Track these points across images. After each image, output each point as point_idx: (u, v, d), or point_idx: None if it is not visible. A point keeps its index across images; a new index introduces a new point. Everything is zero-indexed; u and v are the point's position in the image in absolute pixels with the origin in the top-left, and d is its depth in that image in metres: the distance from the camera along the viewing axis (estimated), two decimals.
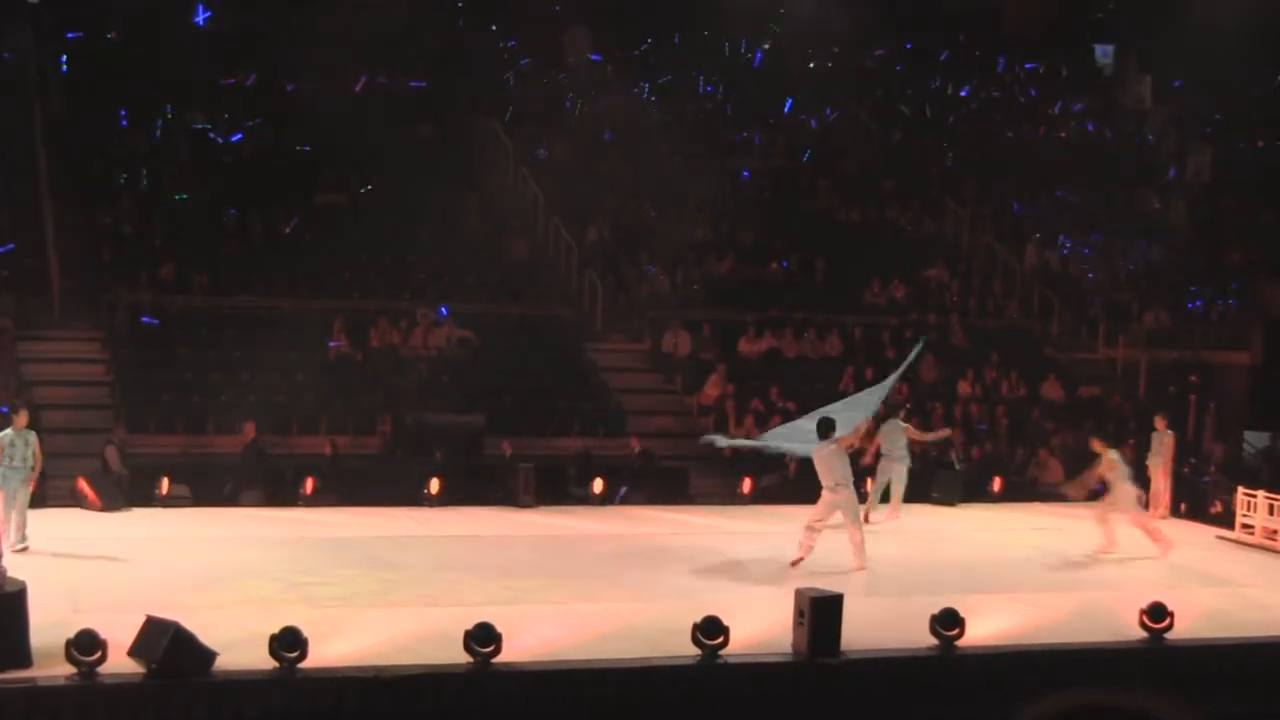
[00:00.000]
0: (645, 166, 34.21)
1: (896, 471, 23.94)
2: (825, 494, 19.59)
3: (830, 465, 19.50)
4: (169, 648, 13.41)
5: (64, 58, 33.22)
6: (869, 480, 23.93)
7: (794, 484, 26.10)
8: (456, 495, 23.76)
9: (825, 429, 19.62)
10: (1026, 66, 41.67)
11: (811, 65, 39.11)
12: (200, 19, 35.11)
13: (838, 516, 19.70)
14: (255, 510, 22.74)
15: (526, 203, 32.94)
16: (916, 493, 25.08)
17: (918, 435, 24.68)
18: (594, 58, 37.64)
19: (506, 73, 36.73)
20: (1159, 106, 41.03)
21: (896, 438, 23.95)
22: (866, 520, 22.11)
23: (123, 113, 32.22)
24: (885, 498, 24.07)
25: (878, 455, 24.13)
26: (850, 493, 19.68)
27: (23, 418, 19.04)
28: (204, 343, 26.94)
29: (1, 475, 18.78)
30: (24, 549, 18.45)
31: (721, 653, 14.76)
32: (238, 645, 14.03)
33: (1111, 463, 21.45)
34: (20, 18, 33.61)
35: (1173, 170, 38.45)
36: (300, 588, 17.47)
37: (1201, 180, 38.19)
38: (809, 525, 19.59)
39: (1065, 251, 34.98)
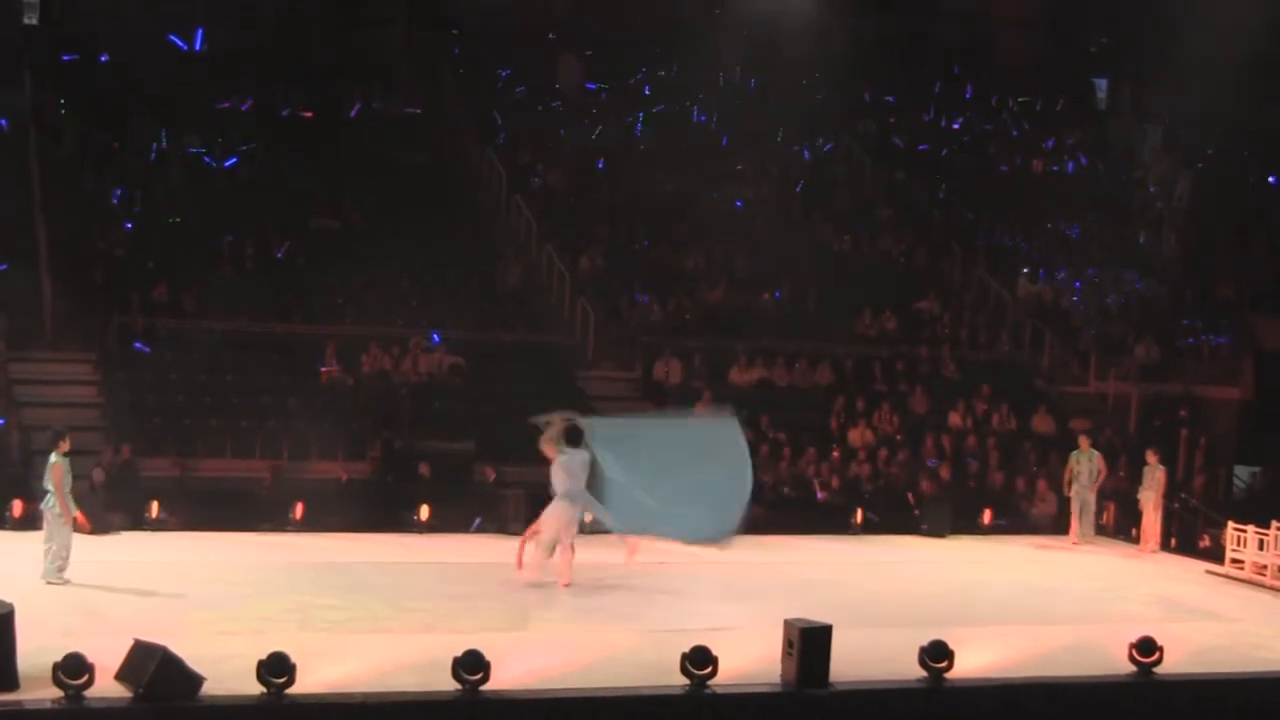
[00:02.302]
0: (639, 195, 34.31)
1: (1084, 497, 25.62)
2: (557, 503, 19.54)
3: (570, 474, 19.50)
4: (156, 672, 13.37)
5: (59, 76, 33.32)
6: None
7: (785, 512, 26.17)
8: (446, 521, 23.76)
9: (575, 438, 19.56)
10: (1019, 100, 41.77)
11: (804, 96, 39.22)
12: (197, 45, 35.16)
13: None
14: (248, 535, 22.67)
15: (519, 230, 32.99)
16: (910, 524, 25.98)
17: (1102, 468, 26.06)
18: (589, 86, 37.75)
19: (501, 100, 36.78)
20: (1155, 135, 41.08)
21: (1085, 466, 25.66)
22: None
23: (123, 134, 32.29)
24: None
25: (1070, 483, 25.85)
26: (576, 508, 19.60)
27: (67, 443, 18.87)
28: (196, 366, 26.91)
29: (70, 502, 18.52)
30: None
31: (710, 683, 14.73)
32: (225, 670, 13.99)
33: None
34: (15, 42, 33.73)
35: (1159, 204, 38.52)
36: (288, 613, 17.44)
37: (1184, 205, 38.25)
38: (565, 545, 19.60)
39: (1057, 282, 35.00)
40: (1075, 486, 25.67)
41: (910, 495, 26.87)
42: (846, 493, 26.74)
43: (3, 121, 30.73)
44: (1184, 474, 29.18)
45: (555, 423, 20.10)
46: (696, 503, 19.58)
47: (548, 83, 37.62)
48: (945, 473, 27.66)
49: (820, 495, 26.61)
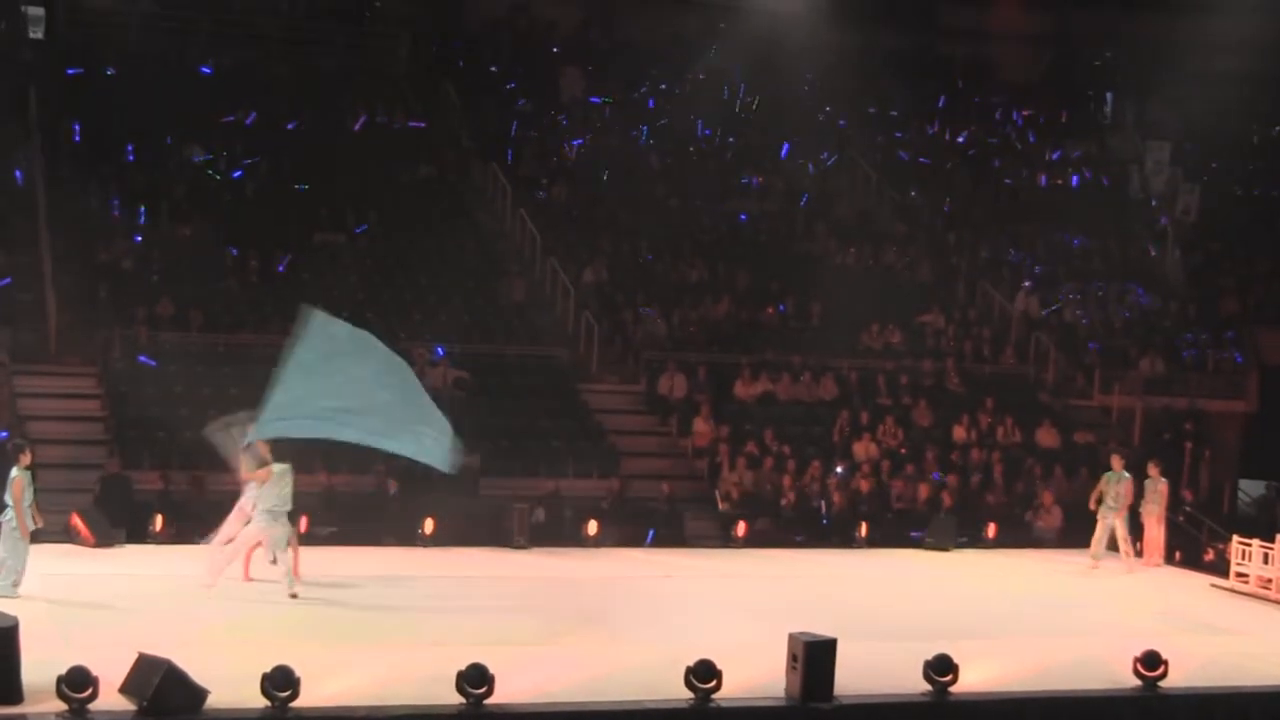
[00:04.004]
0: (643, 209, 34.33)
1: (1109, 520, 24.64)
2: (262, 517, 19.04)
3: (273, 488, 19.11)
4: (160, 685, 13.37)
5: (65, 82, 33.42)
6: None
7: (789, 527, 26.17)
8: (450, 535, 23.73)
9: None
10: (1024, 113, 41.77)
11: (809, 110, 39.24)
12: (206, 69, 35.25)
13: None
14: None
15: (523, 243, 33.01)
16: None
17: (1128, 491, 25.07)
18: (593, 100, 37.77)
19: (505, 114, 36.81)
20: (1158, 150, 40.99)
21: (1112, 488, 24.68)
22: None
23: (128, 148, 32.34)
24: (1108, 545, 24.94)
25: (1099, 502, 24.89)
26: (285, 523, 19.24)
27: (29, 456, 18.85)
28: (200, 380, 26.90)
29: (28, 516, 18.45)
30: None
31: (714, 697, 14.72)
32: (230, 683, 13.98)
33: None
34: (19, 47, 33.85)
35: (1164, 218, 38.47)
36: (292, 626, 17.44)
37: (1189, 219, 38.18)
38: (225, 543, 19.20)
39: (1061, 298, 34.96)
40: (1101, 508, 24.83)
41: (821, 505, 26.74)
42: (748, 504, 26.51)
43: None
44: (1189, 487, 29.16)
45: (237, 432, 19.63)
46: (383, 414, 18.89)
47: (552, 96, 37.65)
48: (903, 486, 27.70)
49: (721, 505, 26.44)
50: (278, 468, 19.28)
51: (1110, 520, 24.63)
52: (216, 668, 14.40)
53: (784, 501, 26.70)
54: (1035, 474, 28.61)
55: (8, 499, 18.37)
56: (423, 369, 27.90)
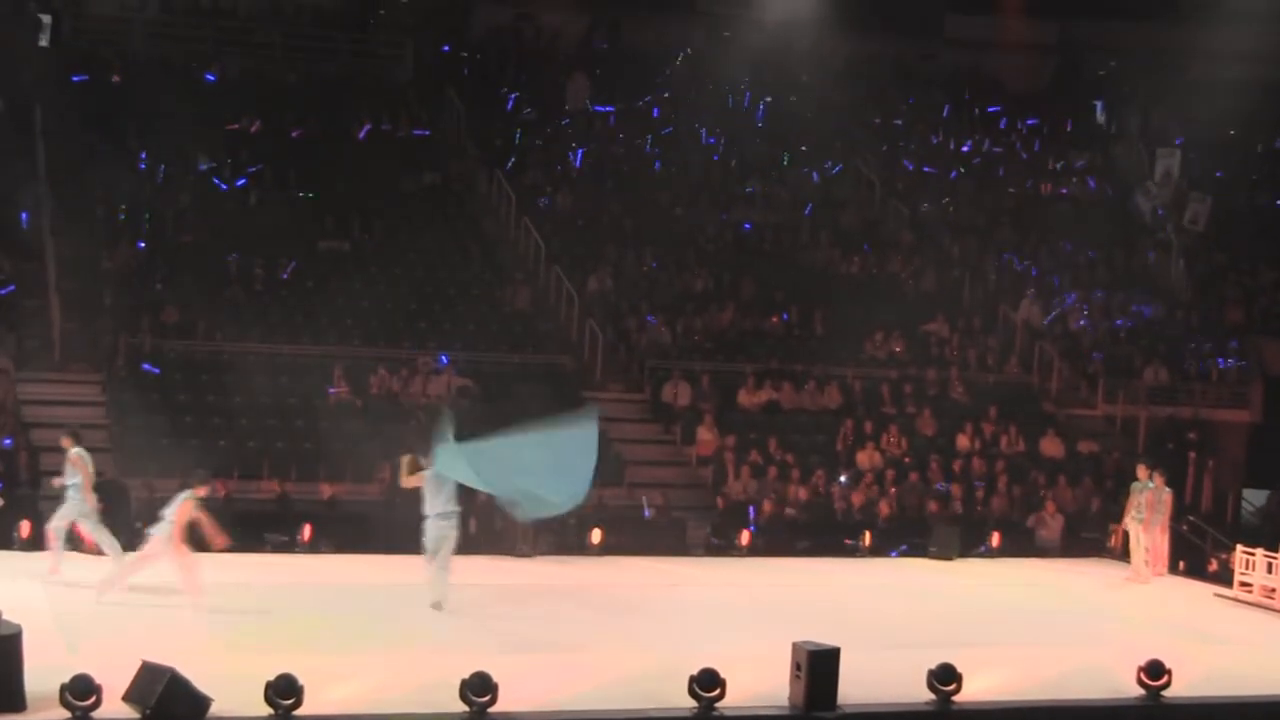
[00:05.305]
0: (647, 217, 34.34)
1: (1135, 530, 24.57)
2: (437, 521, 19.36)
3: (440, 489, 19.36)
4: (164, 693, 13.38)
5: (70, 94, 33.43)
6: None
7: (794, 535, 26.15)
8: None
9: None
10: (1028, 122, 41.77)
11: (813, 119, 39.23)
12: (210, 76, 35.26)
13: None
14: (255, 556, 22.63)
15: (527, 251, 33.02)
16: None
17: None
18: (597, 109, 37.78)
19: (510, 122, 36.83)
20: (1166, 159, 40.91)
21: (1135, 497, 24.66)
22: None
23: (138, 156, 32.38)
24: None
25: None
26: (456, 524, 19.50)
27: (205, 489, 19.26)
28: (204, 388, 26.93)
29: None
30: None
31: (718, 705, 14.73)
32: (233, 691, 13.99)
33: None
34: (27, 59, 33.87)
35: (1169, 227, 38.44)
36: (297, 634, 17.44)
37: (1197, 229, 38.11)
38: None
39: (1065, 306, 34.94)
40: (1128, 519, 24.74)
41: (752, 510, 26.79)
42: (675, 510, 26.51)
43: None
44: (1192, 497, 29.12)
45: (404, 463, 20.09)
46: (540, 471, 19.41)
47: (556, 104, 37.66)
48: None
49: (648, 513, 26.39)
50: (428, 473, 19.42)
51: (1137, 529, 24.56)
52: (220, 675, 14.41)
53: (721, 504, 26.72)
54: (1039, 483, 28.59)
55: (169, 514, 18.46)
56: (427, 377, 28.04)
